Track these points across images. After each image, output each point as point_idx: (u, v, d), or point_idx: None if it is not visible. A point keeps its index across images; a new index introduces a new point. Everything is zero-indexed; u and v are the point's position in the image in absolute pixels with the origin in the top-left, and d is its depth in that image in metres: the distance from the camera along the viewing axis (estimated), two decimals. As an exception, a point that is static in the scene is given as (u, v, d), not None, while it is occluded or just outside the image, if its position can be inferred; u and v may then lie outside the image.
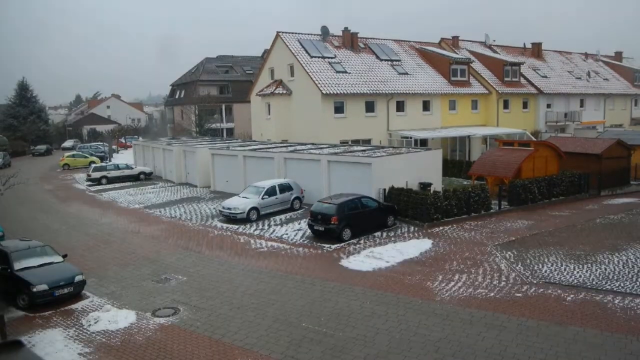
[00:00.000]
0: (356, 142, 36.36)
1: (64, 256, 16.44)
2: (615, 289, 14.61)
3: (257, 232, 22.46)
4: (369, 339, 12.02)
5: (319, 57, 38.46)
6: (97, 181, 37.05)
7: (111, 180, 37.32)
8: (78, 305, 14.74)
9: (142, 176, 38.82)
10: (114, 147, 64.28)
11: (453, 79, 43.27)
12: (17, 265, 15.11)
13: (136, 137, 73.71)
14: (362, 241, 20.33)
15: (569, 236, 20.36)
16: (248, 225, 23.50)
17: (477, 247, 19.18)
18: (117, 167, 38.60)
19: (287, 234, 21.80)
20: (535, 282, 15.42)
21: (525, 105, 47.80)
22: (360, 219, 20.94)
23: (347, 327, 12.64)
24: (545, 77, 51.28)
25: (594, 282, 15.18)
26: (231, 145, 36.03)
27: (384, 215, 22.16)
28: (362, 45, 42.53)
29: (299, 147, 31.64)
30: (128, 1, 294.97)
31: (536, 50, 55.85)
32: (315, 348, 11.67)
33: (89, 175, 38.42)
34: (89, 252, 20.19)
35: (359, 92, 37.07)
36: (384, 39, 45.33)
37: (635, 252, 18.00)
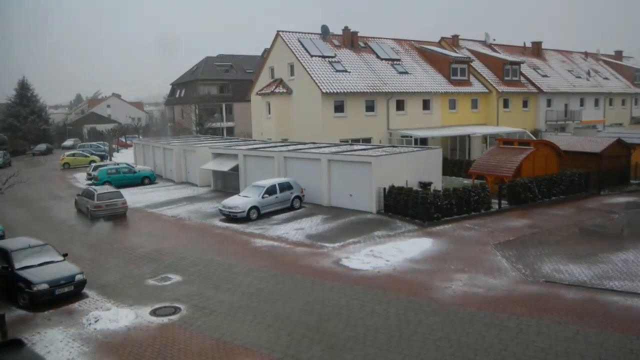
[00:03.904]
0: (356, 141, 36.36)
1: (65, 255, 16.46)
2: (615, 288, 14.63)
3: (257, 231, 22.47)
4: (369, 338, 12.03)
5: (319, 56, 38.46)
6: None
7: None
8: (78, 304, 14.75)
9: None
10: (114, 146, 64.23)
11: (453, 78, 43.27)
12: (18, 264, 15.14)
13: (136, 136, 73.72)
14: (362, 241, 20.33)
15: (569, 235, 20.37)
16: (248, 225, 23.52)
17: (477, 246, 19.19)
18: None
19: (287, 233, 21.81)
20: (535, 281, 15.44)
21: (525, 105, 47.80)
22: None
23: (348, 326, 12.65)
24: (546, 76, 51.27)
25: (594, 281, 15.19)
26: (236, 145, 35.82)
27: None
28: (362, 45, 42.53)
29: (299, 146, 31.65)
30: (128, 0, 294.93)
31: (536, 50, 55.85)
32: (315, 347, 11.68)
33: (89, 175, 38.37)
34: (89, 251, 20.21)
35: (359, 91, 37.08)
36: (384, 38, 45.33)
37: (635, 251, 18.00)
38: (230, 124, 65.83)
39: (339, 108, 36.84)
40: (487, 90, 44.87)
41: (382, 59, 41.72)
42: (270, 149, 31.31)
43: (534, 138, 40.73)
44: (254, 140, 42.05)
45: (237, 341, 12.10)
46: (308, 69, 36.64)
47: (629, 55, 69.10)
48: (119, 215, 26.14)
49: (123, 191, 34.07)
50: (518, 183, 25.84)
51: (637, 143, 32.64)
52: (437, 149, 28.97)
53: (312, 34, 41.16)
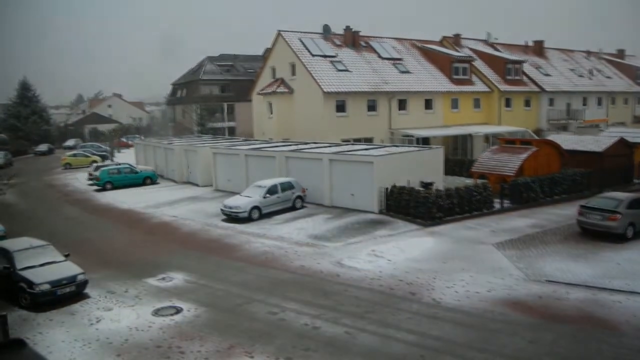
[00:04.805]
0: (358, 140, 36.33)
1: (66, 255, 16.45)
2: (618, 287, 14.58)
3: (259, 231, 22.45)
4: (368, 338, 12.00)
5: (320, 56, 38.42)
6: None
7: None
8: (80, 305, 14.74)
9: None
10: (114, 147, 64.19)
11: (455, 77, 43.19)
12: (20, 265, 15.13)
13: (137, 136, 73.71)
14: (363, 241, 20.30)
15: (571, 234, 20.31)
16: (250, 224, 23.49)
17: (479, 245, 19.14)
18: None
19: (289, 233, 21.79)
20: (537, 280, 15.39)
21: (527, 104, 47.71)
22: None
23: (348, 326, 12.63)
24: (548, 75, 51.17)
25: (595, 280, 15.14)
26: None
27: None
28: (364, 44, 42.48)
29: (300, 146, 31.63)
30: (129, 0, 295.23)
31: (538, 49, 55.72)
32: (316, 346, 11.66)
33: (90, 175, 38.40)
34: (91, 252, 20.19)
35: (360, 90, 37.03)
36: (386, 38, 45.26)
37: (638, 249, 17.96)
38: (231, 123, 65.82)
39: (340, 107, 36.80)
40: (489, 90, 44.80)
41: (383, 59, 41.65)
42: (272, 148, 31.30)
43: (536, 137, 40.66)
44: (256, 140, 42.04)
45: (239, 340, 12.09)
46: (309, 69, 36.62)
47: (631, 54, 68.91)
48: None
49: (125, 191, 34.42)
50: (520, 182, 25.78)
51: (639, 142, 32.53)
52: (438, 148, 28.92)
53: (313, 33, 41.11)
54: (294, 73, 38.69)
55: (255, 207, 24.42)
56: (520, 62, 47.79)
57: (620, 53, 66.88)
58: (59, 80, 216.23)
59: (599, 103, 54.83)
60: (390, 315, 13.14)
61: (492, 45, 52.88)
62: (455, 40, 49.88)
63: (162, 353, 11.66)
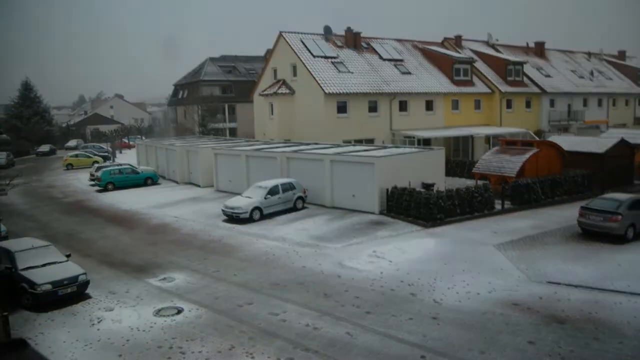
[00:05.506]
0: (359, 141, 36.35)
1: (68, 256, 16.50)
2: (619, 288, 14.58)
3: (260, 231, 22.46)
4: (369, 339, 12.01)
5: (321, 57, 38.45)
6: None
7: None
8: (81, 305, 14.77)
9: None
10: (116, 148, 64.23)
11: (456, 78, 43.20)
12: (21, 265, 15.17)
13: (139, 136, 73.75)
14: (364, 242, 20.32)
15: (572, 236, 20.31)
16: (251, 225, 23.51)
17: (481, 246, 19.14)
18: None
19: (290, 234, 21.80)
20: (538, 281, 15.39)
21: (528, 105, 47.70)
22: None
23: (349, 327, 12.63)
24: (549, 76, 51.14)
25: (596, 282, 15.14)
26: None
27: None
28: (365, 45, 42.50)
29: (301, 147, 31.66)
30: (130, 0, 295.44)
31: (539, 50, 55.71)
32: (317, 347, 11.67)
33: (92, 175, 38.46)
34: (92, 252, 20.23)
35: (361, 91, 37.05)
36: (387, 39, 45.29)
37: (638, 251, 17.94)
38: (232, 124, 65.87)
39: (341, 109, 36.82)
40: (490, 91, 44.79)
41: (384, 60, 41.68)
42: (273, 149, 31.32)
43: (537, 138, 40.64)
44: (257, 140, 42.08)
45: (240, 340, 12.10)
46: (311, 70, 36.65)
47: (632, 55, 68.83)
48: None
49: (126, 192, 34.52)
50: (521, 183, 25.78)
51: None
52: (440, 149, 28.94)
53: (314, 34, 41.14)
54: (295, 74, 38.72)
55: (257, 208, 24.45)
56: (521, 64, 47.77)
57: (621, 54, 66.85)
58: (61, 81, 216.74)
59: (600, 104, 54.79)
60: (391, 316, 13.15)
61: (493, 46, 52.87)
62: (456, 42, 49.89)
63: (163, 353, 11.68)
